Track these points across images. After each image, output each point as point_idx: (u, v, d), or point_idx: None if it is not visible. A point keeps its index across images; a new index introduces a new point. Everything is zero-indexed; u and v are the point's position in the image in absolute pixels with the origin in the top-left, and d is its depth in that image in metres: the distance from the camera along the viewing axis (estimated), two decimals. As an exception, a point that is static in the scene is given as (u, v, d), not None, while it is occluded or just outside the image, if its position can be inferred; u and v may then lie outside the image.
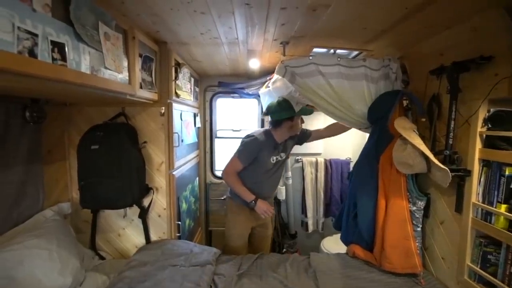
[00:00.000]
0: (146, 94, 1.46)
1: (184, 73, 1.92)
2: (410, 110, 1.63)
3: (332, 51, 1.86)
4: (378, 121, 1.61)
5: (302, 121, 1.84)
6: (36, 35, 0.74)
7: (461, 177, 1.25)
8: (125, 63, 1.23)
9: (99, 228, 1.72)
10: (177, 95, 1.77)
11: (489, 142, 1.17)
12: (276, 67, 1.71)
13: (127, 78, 1.25)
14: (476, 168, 1.20)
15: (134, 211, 1.69)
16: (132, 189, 1.44)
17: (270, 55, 1.92)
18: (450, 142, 1.28)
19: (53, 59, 0.80)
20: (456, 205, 1.30)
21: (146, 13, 1.21)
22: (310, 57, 1.62)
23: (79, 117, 1.64)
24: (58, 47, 0.82)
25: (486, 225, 1.15)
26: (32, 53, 0.73)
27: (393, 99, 1.52)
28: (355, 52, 1.84)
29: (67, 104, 1.63)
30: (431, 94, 1.44)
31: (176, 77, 1.74)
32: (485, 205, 1.16)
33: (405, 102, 1.63)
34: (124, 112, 1.64)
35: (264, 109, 2.03)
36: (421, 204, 1.45)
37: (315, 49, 1.80)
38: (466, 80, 1.22)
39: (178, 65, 1.78)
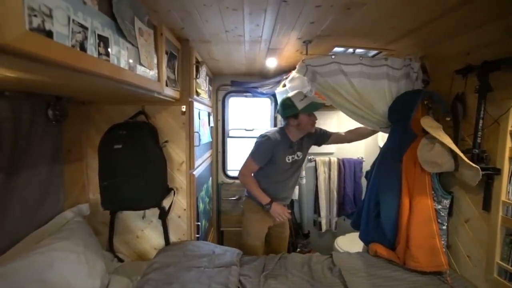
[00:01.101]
0: (170, 92, 1.43)
1: (202, 71, 1.90)
2: (431, 110, 1.64)
3: (351, 50, 1.86)
4: (399, 121, 1.61)
5: (315, 118, 1.75)
6: (87, 29, 0.71)
7: (489, 176, 1.27)
8: (155, 60, 1.21)
9: (117, 230, 1.68)
10: (197, 94, 1.74)
11: (520, 141, 1.18)
12: (297, 66, 1.70)
13: (157, 75, 1.22)
14: (506, 166, 1.21)
15: (153, 212, 1.65)
16: (156, 189, 1.42)
17: (289, 54, 1.91)
18: (478, 141, 1.29)
19: (99, 53, 0.78)
20: (483, 203, 1.31)
21: (177, 9, 1.18)
22: (333, 56, 1.62)
23: (98, 116, 1.60)
24: (103, 41, 0.79)
25: (517, 223, 1.16)
26: (82, 47, 0.70)
27: (415, 99, 1.53)
28: (374, 52, 1.84)
29: (85, 103, 1.59)
30: (455, 93, 1.45)
31: (197, 75, 1.71)
32: (516, 203, 1.17)
33: (425, 102, 1.64)
34: (144, 111, 1.60)
35: None
36: (447, 202, 1.46)
37: (335, 49, 1.80)
38: (495, 80, 1.23)
39: (198, 63, 1.75)
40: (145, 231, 1.71)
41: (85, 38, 0.71)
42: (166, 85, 1.37)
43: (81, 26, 0.69)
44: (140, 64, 1.04)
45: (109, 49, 0.83)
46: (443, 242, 1.45)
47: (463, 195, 1.45)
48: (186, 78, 1.63)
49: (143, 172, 1.36)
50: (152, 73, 1.16)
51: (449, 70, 1.47)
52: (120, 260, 1.64)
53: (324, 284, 1.40)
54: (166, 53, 1.35)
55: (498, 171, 1.23)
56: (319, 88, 1.68)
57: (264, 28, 1.41)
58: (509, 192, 1.21)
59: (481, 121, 1.28)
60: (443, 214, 1.46)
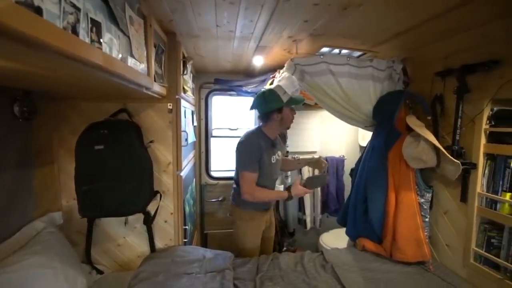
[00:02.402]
0: (157, 88, 1.33)
1: (189, 67, 1.80)
2: (411, 109, 1.74)
3: (336, 50, 1.91)
4: (384, 120, 1.69)
5: (294, 113, 1.68)
6: (79, 10, 0.62)
7: (466, 170, 1.38)
8: (145, 53, 1.11)
9: (95, 239, 1.52)
10: (184, 91, 1.65)
11: (492, 138, 1.30)
12: (285, 65, 1.70)
13: (146, 69, 1.13)
14: (481, 161, 1.33)
15: (137, 217, 1.53)
16: (144, 193, 1.31)
17: (276, 52, 1.89)
18: (457, 138, 1.40)
19: (91, 40, 0.68)
20: (461, 195, 1.42)
21: (169, -2, 1.10)
22: (321, 56, 1.64)
23: (73, 113, 1.44)
24: (95, 26, 0.70)
25: (491, 212, 1.28)
26: (74, 31, 0.61)
27: (398, 99, 1.61)
28: (359, 52, 1.90)
29: (57, 98, 1.42)
30: (434, 94, 1.56)
31: (184, 72, 1.62)
32: (490, 194, 1.29)
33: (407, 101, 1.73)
34: (126, 108, 1.48)
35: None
36: (429, 196, 1.56)
37: (322, 49, 1.83)
38: (471, 82, 1.34)
39: (185, 59, 1.66)
40: (127, 239, 1.57)
41: (77, 20, 0.62)
42: (154, 80, 1.28)
43: (74, 6, 0.60)
44: (131, 55, 0.94)
45: (102, 37, 0.73)
46: (426, 233, 1.55)
47: (442, 189, 1.57)
48: (173, 74, 1.53)
49: (131, 174, 1.25)
50: (142, 67, 1.06)
51: (429, 72, 1.57)
52: (100, 272, 1.49)
53: (319, 281, 1.41)
54: (155, 46, 1.26)
55: (474, 166, 1.34)
56: (307, 88, 1.69)
57: (257, 24, 1.38)
58: (483, 184, 1.33)
59: (459, 120, 1.39)
60: (425, 207, 1.56)
